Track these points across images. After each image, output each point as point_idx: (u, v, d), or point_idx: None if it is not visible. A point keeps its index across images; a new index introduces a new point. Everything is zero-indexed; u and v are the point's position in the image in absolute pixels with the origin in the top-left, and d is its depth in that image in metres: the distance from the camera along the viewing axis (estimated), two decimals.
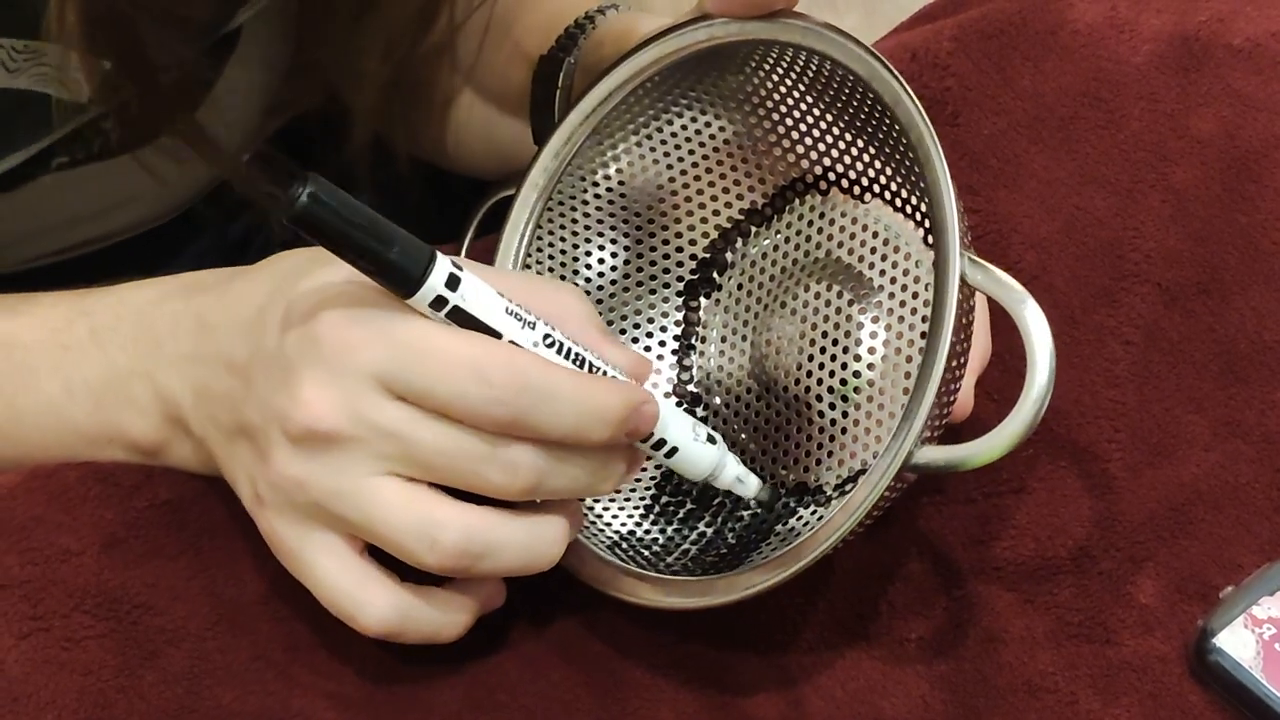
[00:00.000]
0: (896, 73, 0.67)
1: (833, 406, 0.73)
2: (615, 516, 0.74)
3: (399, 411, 0.63)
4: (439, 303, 0.63)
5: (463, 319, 0.63)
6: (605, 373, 0.66)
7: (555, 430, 0.63)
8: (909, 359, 0.71)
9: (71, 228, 0.88)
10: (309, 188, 0.60)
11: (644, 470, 0.75)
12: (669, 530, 0.74)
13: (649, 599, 0.69)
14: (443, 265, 0.63)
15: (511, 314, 0.64)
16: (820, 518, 0.70)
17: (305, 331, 0.64)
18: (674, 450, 0.68)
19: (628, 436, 0.65)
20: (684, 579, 0.69)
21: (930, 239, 0.67)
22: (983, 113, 0.88)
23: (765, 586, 0.67)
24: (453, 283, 0.63)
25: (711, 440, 0.69)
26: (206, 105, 0.84)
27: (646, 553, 0.72)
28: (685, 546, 0.72)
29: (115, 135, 0.81)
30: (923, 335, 0.70)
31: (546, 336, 0.65)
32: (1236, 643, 0.71)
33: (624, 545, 0.72)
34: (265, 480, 0.65)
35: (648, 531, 0.73)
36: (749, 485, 0.70)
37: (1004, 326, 0.67)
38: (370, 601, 0.66)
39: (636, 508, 0.74)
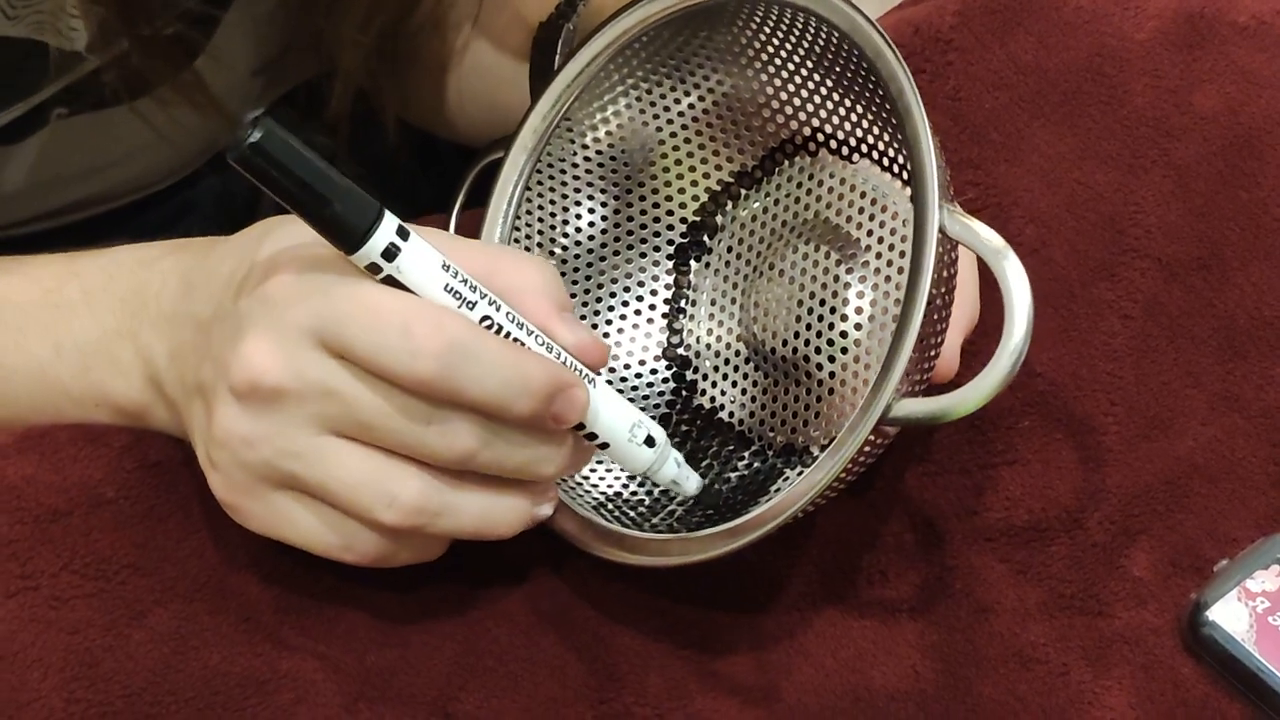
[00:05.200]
0: (878, 26, 0.67)
1: (820, 368, 0.73)
2: (602, 478, 0.74)
3: (337, 369, 0.63)
4: (374, 269, 0.63)
5: (399, 288, 0.63)
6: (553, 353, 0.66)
7: (479, 394, 0.63)
8: (895, 319, 0.71)
9: (70, 184, 0.88)
10: (258, 131, 0.59)
11: None
12: (655, 491, 0.73)
13: (619, 557, 0.69)
14: (386, 229, 0.62)
15: (451, 291, 0.63)
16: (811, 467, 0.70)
17: (257, 289, 0.64)
18: (605, 445, 0.67)
19: (553, 420, 0.64)
20: (661, 537, 0.69)
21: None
22: (985, 87, 0.88)
23: (749, 540, 0.66)
24: (392, 251, 0.62)
25: (650, 443, 0.68)
26: (204, 58, 0.84)
27: (632, 513, 0.72)
28: (671, 507, 0.72)
29: (113, 85, 0.81)
30: None
31: (485, 319, 0.64)
32: (1230, 616, 0.71)
33: (610, 506, 0.72)
34: (212, 438, 0.65)
35: (634, 493, 0.73)
36: (687, 486, 0.70)
37: (998, 300, 0.67)
38: (358, 537, 0.66)
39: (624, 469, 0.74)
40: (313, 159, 0.60)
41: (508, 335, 0.64)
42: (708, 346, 0.77)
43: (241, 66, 0.88)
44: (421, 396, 0.63)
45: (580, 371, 0.66)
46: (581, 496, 0.72)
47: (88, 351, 0.71)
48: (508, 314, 0.64)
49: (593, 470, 0.73)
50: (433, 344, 0.62)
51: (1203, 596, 0.71)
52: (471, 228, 0.77)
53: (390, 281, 0.63)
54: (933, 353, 0.67)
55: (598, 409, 0.66)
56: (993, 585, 0.73)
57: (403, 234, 0.62)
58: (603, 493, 0.73)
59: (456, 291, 0.63)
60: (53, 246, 0.77)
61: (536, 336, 0.65)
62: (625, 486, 0.74)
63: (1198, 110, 0.87)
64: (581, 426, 0.66)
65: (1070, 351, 0.79)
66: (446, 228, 0.79)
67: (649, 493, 0.73)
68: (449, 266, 0.63)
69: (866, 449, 0.65)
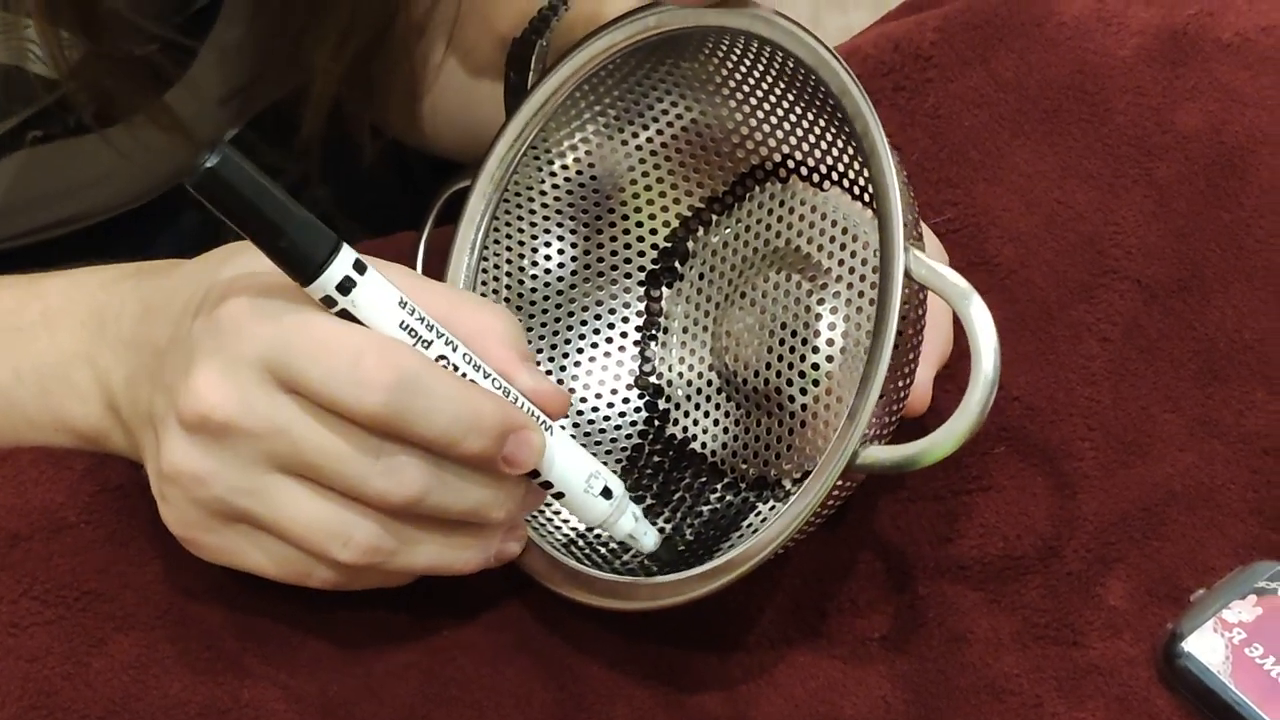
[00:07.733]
0: (842, 61, 0.66)
1: (792, 400, 0.72)
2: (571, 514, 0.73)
3: (286, 403, 0.62)
4: (329, 301, 0.62)
5: (355, 322, 0.62)
6: (509, 396, 0.65)
7: (428, 430, 0.62)
8: (867, 351, 0.70)
9: (44, 206, 0.88)
10: (215, 157, 0.59)
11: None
12: None
13: (588, 599, 0.69)
14: (343, 262, 0.61)
15: (406, 328, 0.63)
16: (777, 512, 0.69)
17: (209, 317, 0.63)
18: (561, 494, 0.67)
19: (506, 464, 0.64)
20: (631, 580, 0.68)
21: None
22: (964, 105, 0.87)
23: (716, 586, 0.66)
24: (347, 285, 0.62)
25: (608, 494, 0.67)
26: (182, 85, 0.83)
27: (603, 550, 0.71)
28: None
29: (87, 112, 0.81)
30: None
31: (440, 358, 0.63)
32: (1206, 647, 0.70)
33: (579, 543, 0.71)
34: (162, 473, 0.65)
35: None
36: (644, 542, 0.69)
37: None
38: (315, 570, 0.65)
39: None
40: (270, 187, 0.60)
41: (463, 376, 0.64)
42: (680, 375, 0.76)
43: (212, 92, 0.88)
44: (370, 432, 0.62)
45: (538, 418, 0.65)
46: (551, 534, 0.71)
47: (46, 375, 0.71)
48: (464, 355, 0.64)
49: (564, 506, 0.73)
50: (382, 376, 0.61)
51: (1179, 627, 0.70)
52: (441, 247, 0.77)
53: (345, 315, 0.62)
54: (903, 393, 0.66)
55: (553, 456, 0.66)
56: (965, 614, 0.72)
57: (360, 268, 0.62)
58: (573, 528, 0.72)
59: (412, 329, 0.63)
60: (23, 267, 0.76)
61: (494, 380, 0.64)
62: None
63: (1180, 128, 0.86)
64: (536, 474, 0.65)
65: (1047, 375, 0.79)
66: (417, 249, 0.79)
67: None
68: (406, 303, 0.63)
69: (835, 493, 0.64)
